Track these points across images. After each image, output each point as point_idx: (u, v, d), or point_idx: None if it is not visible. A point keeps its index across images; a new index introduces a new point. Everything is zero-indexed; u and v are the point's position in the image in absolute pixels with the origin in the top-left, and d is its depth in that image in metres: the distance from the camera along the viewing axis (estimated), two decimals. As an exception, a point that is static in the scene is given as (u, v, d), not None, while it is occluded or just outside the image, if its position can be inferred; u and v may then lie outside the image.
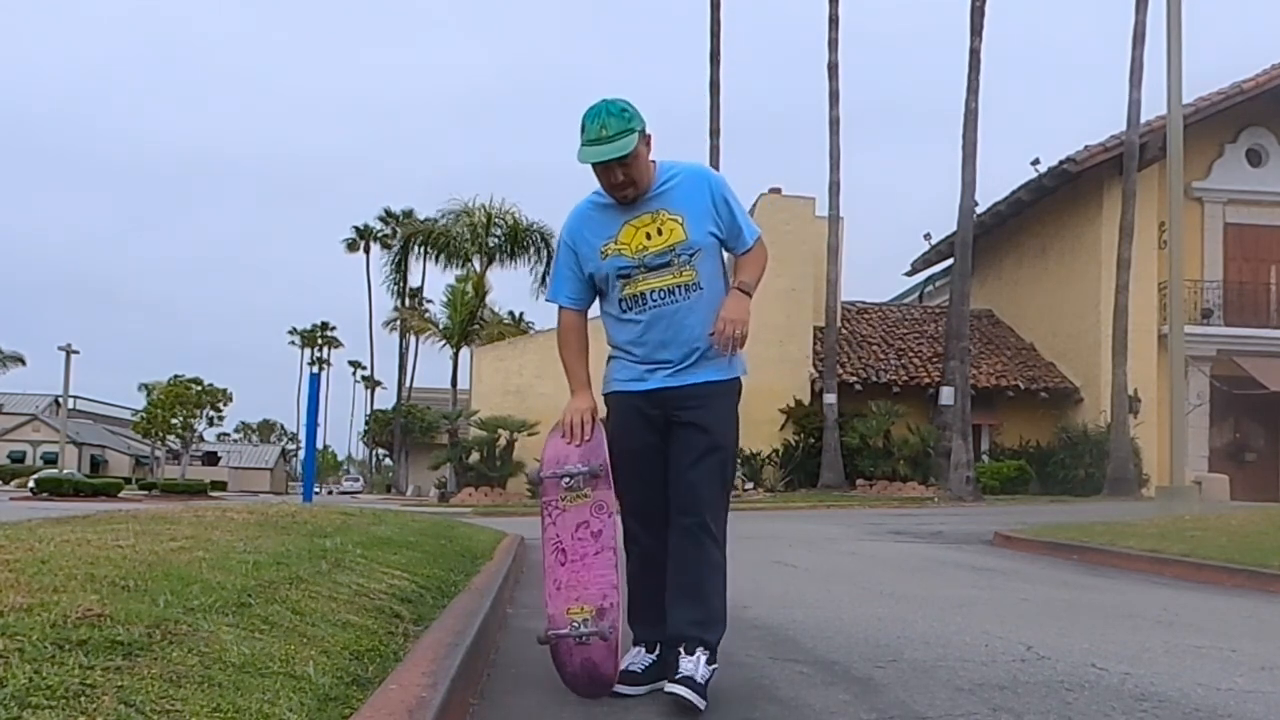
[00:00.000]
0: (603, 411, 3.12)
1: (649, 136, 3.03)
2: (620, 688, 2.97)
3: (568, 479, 2.96)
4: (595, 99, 2.97)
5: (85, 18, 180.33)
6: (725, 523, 3.07)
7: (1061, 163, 23.24)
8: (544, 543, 3.03)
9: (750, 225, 3.15)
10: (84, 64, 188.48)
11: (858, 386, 23.99)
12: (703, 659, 2.86)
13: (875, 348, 26.17)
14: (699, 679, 2.81)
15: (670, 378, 3.04)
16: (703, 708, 2.77)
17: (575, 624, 2.89)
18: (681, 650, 2.88)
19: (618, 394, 3.10)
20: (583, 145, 2.94)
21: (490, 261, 30.05)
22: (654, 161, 3.11)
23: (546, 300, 3.31)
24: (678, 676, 2.81)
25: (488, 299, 31.68)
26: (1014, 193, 25.28)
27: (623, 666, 3.02)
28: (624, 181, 2.99)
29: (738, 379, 3.12)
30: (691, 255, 3.04)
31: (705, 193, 3.09)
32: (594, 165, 2.97)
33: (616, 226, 3.09)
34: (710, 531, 2.97)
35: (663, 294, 3.05)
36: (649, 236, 3.05)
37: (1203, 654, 3.95)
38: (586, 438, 3.00)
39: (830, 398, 22.39)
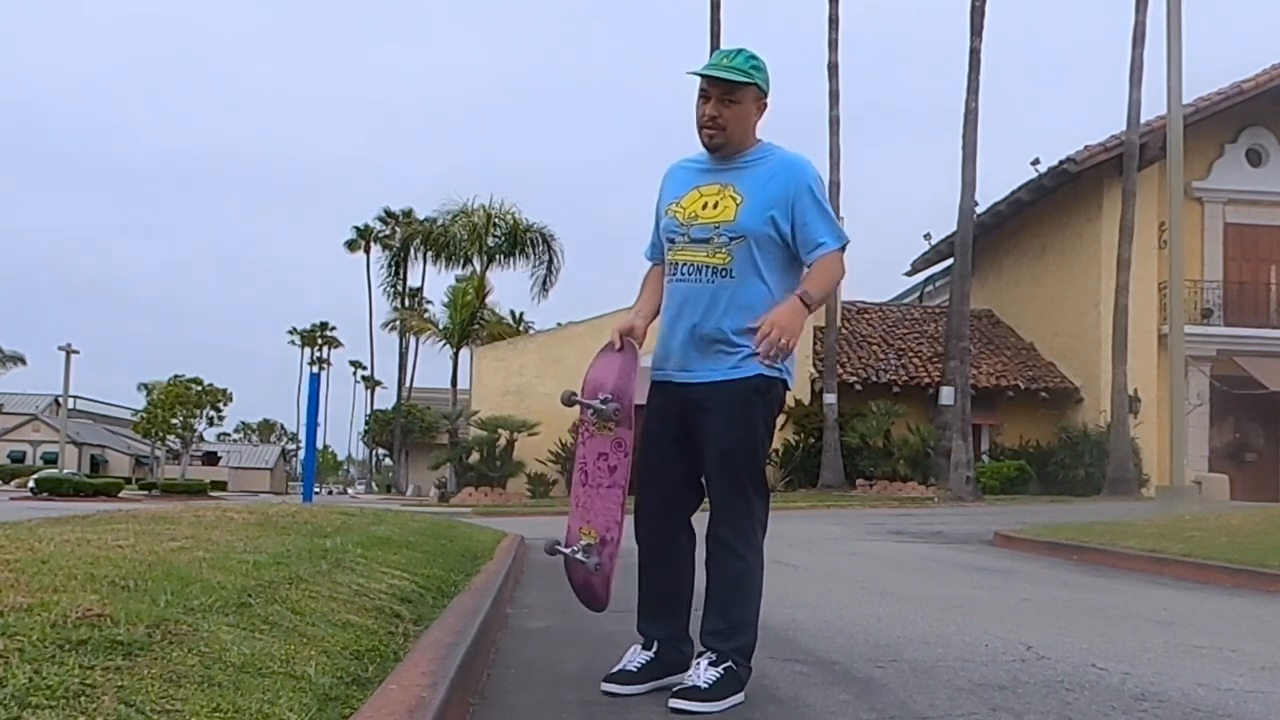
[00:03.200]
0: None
1: (764, 104, 2.93)
2: (618, 688, 2.96)
3: (591, 410, 3.00)
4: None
5: (87, 18, 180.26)
6: (751, 528, 2.93)
7: (1061, 163, 23.23)
8: (575, 460, 3.17)
9: (830, 234, 2.89)
10: (85, 64, 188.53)
11: (858, 386, 23.99)
12: (704, 663, 2.85)
13: (875, 348, 26.16)
14: (702, 684, 2.80)
15: (679, 371, 2.95)
16: (694, 710, 2.75)
17: (576, 547, 3.08)
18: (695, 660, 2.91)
19: (651, 380, 3.04)
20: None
21: (490, 262, 30.08)
22: (760, 140, 3.00)
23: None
24: (676, 689, 2.83)
25: (488, 299, 31.69)
26: (1014, 193, 25.27)
27: (619, 666, 3.02)
28: (713, 117, 2.88)
29: (756, 377, 2.87)
30: (732, 239, 2.86)
31: (784, 183, 2.89)
32: (699, 86, 2.89)
33: (686, 189, 3.00)
34: (725, 544, 2.91)
35: (691, 269, 2.92)
36: (704, 207, 2.93)
37: (1203, 654, 3.95)
38: (617, 348, 3.00)
39: (830, 398, 22.38)
